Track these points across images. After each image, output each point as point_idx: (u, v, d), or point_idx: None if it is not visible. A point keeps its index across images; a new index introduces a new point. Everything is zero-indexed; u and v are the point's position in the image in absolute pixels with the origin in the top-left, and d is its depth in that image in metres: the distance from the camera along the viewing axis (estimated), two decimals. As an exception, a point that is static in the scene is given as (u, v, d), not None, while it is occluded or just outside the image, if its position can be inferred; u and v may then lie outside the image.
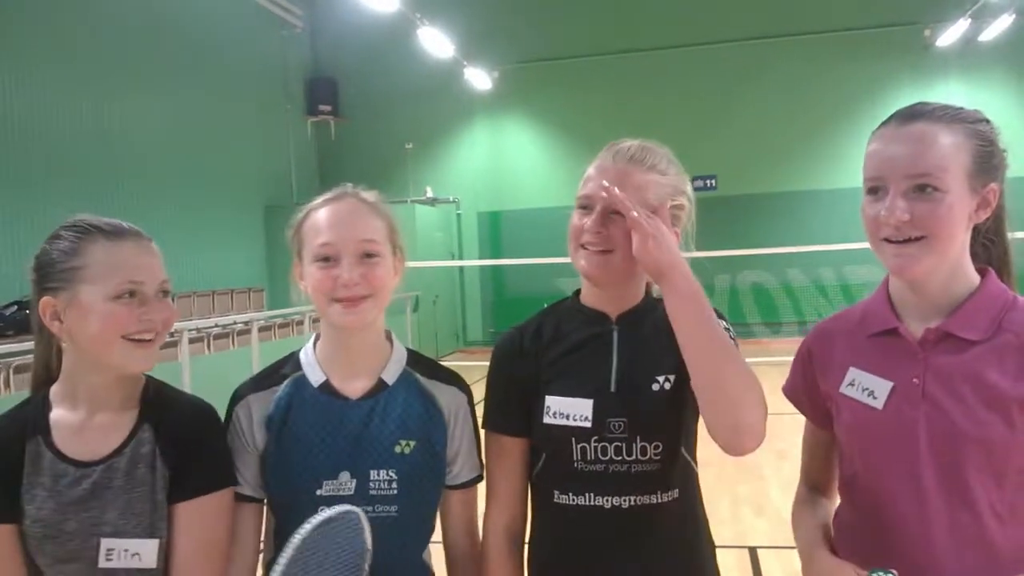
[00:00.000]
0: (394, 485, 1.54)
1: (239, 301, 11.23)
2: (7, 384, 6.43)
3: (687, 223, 1.63)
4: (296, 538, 1.35)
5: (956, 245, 1.37)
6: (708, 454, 1.64)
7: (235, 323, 9.15)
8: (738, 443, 1.43)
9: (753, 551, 4.04)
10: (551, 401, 1.57)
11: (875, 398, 1.41)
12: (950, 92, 12.09)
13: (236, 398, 1.61)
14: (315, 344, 1.65)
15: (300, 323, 9.65)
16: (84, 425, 1.48)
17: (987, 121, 1.39)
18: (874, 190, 1.38)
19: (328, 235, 1.54)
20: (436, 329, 12.68)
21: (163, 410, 1.52)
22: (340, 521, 1.39)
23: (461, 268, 14.16)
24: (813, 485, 1.64)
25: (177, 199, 10.01)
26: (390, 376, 1.61)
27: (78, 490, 1.43)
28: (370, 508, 1.50)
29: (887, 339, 1.44)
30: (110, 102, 9.64)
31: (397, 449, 1.55)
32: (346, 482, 1.53)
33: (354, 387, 1.59)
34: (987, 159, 1.36)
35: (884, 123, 1.41)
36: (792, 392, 1.63)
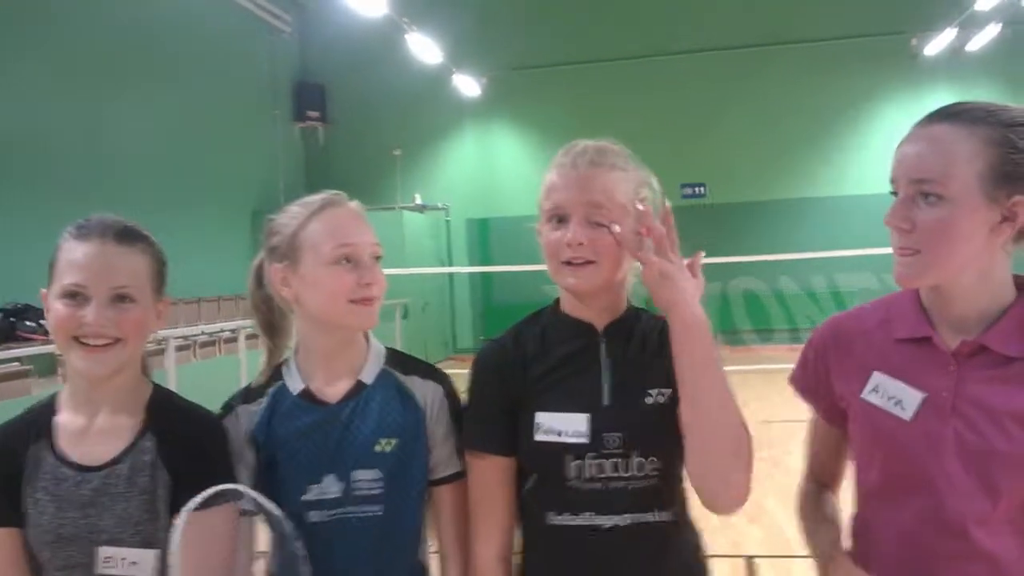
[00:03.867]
0: (379, 484, 1.53)
1: (226, 308, 11.16)
2: (-9, 392, 6.35)
3: (655, 215, 1.53)
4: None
5: (959, 259, 1.28)
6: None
7: (222, 331, 9.10)
8: (725, 497, 1.42)
9: (749, 560, 4.00)
10: (542, 418, 1.49)
11: (903, 408, 1.34)
12: (938, 101, 12.03)
13: (226, 409, 1.60)
14: (295, 352, 1.63)
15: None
16: (87, 429, 1.48)
17: (1011, 124, 1.27)
18: (895, 193, 1.32)
19: (352, 236, 1.56)
20: (426, 336, 12.63)
21: (168, 419, 1.51)
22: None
23: (451, 275, 14.12)
24: (819, 480, 1.59)
25: (163, 204, 9.92)
26: (368, 376, 1.60)
27: (78, 495, 1.43)
28: (356, 509, 1.52)
29: (917, 347, 1.37)
30: (96, 106, 9.57)
31: (378, 448, 1.54)
32: (331, 485, 1.53)
33: (334, 390, 1.59)
34: (1013, 167, 1.25)
35: (919, 120, 1.34)
36: (801, 385, 1.56)
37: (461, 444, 1.60)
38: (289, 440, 1.55)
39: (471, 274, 13.92)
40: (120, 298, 1.44)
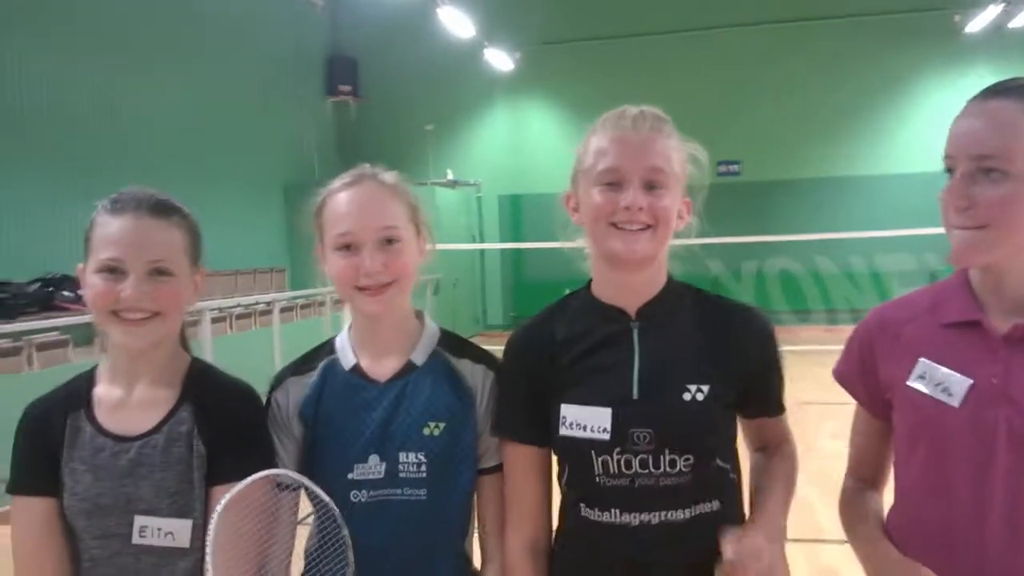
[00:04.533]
0: (423, 468, 1.50)
1: (261, 281, 11.28)
2: (30, 361, 6.48)
3: (697, 193, 1.53)
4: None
5: (1022, 237, 1.26)
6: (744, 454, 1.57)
7: (257, 303, 9.19)
8: None
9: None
10: (567, 410, 1.44)
11: (950, 395, 1.31)
12: (979, 78, 11.80)
13: (276, 382, 1.60)
14: (349, 328, 1.62)
15: (322, 304, 9.66)
16: (125, 401, 1.49)
17: None
18: (949, 170, 1.28)
19: (347, 224, 1.51)
20: (456, 313, 12.67)
21: (205, 391, 1.51)
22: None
23: (482, 251, 14.12)
24: (863, 478, 1.55)
25: (197, 179, 10.00)
26: (419, 357, 1.58)
27: (115, 465, 1.44)
28: (399, 491, 1.50)
29: (965, 332, 1.34)
30: (127, 82, 9.61)
31: (426, 431, 1.52)
32: (375, 465, 1.51)
33: (383, 369, 1.57)
34: None
35: (974, 96, 1.30)
36: (846, 377, 1.52)
37: (492, 431, 1.56)
38: (337, 416, 1.54)
39: (502, 251, 13.90)
40: (157, 272, 1.44)
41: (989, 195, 1.23)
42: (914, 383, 1.36)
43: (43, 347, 6.62)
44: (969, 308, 1.34)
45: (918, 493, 1.39)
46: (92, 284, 1.44)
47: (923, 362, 1.35)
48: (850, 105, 12.72)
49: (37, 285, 7.79)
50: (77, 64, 9.02)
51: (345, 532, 1.46)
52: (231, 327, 8.82)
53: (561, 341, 1.51)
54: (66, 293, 7.80)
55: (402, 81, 14.01)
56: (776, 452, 1.58)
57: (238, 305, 8.89)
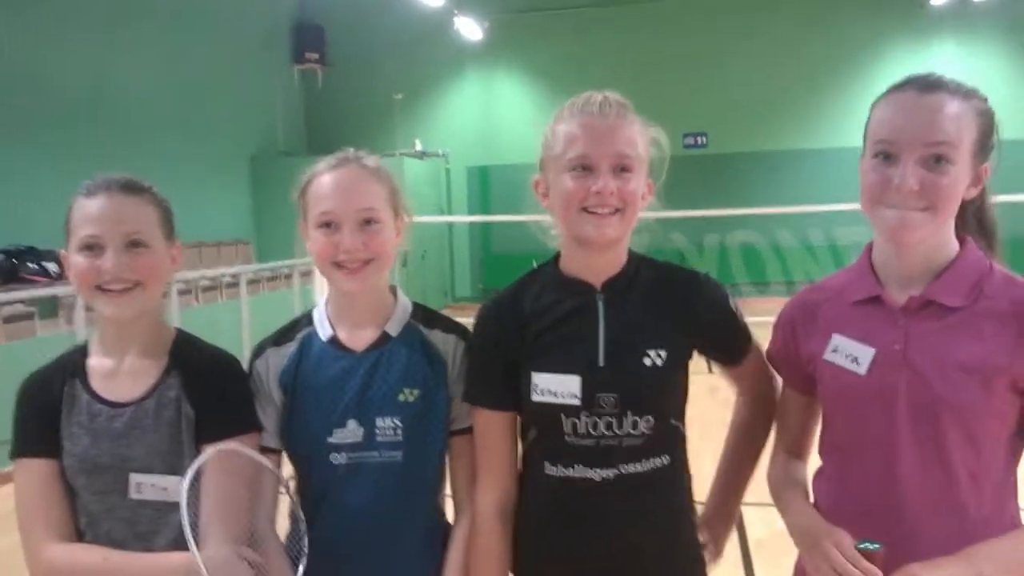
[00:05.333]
0: (399, 432, 1.61)
1: (226, 254, 11.18)
2: (-4, 334, 6.40)
3: (658, 173, 1.63)
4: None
5: (951, 217, 1.40)
6: (692, 413, 1.67)
7: (223, 276, 9.12)
8: None
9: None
10: (538, 378, 1.55)
11: (858, 364, 1.43)
12: (944, 52, 12.01)
13: (257, 351, 1.71)
14: (326, 301, 1.71)
15: (288, 276, 9.62)
16: (116, 370, 1.62)
17: (987, 101, 1.42)
18: (885, 155, 1.38)
19: (329, 203, 1.60)
20: (425, 285, 12.68)
21: (190, 358, 1.63)
22: None
23: (450, 224, 14.10)
24: (788, 450, 1.66)
25: (161, 148, 9.87)
26: (394, 328, 1.68)
27: (111, 428, 1.57)
28: (376, 454, 1.61)
29: (870, 306, 1.46)
30: (93, 50, 9.47)
31: (401, 398, 1.62)
32: (353, 430, 1.61)
33: (360, 340, 1.66)
34: (987, 138, 1.40)
35: (898, 88, 1.41)
36: (774, 357, 1.66)
37: (464, 398, 1.66)
38: (316, 384, 1.63)
39: (470, 223, 13.89)
40: (134, 244, 1.55)
41: (937, 180, 1.34)
42: (829, 356, 1.48)
43: (9, 319, 6.54)
44: (872, 285, 1.47)
45: (837, 457, 1.51)
46: (75, 263, 1.56)
47: (836, 337, 1.48)
48: (815, 77, 12.82)
49: (1, 256, 7.66)
50: (42, 36, 8.83)
51: (301, 519, 1.58)
52: (197, 299, 8.74)
53: (530, 313, 1.61)
54: (31, 265, 7.69)
55: (370, 49, 13.85)
56: (755, 408, 1.73)
57: (203, 277, 8.81)
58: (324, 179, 1.63)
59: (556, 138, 1.56)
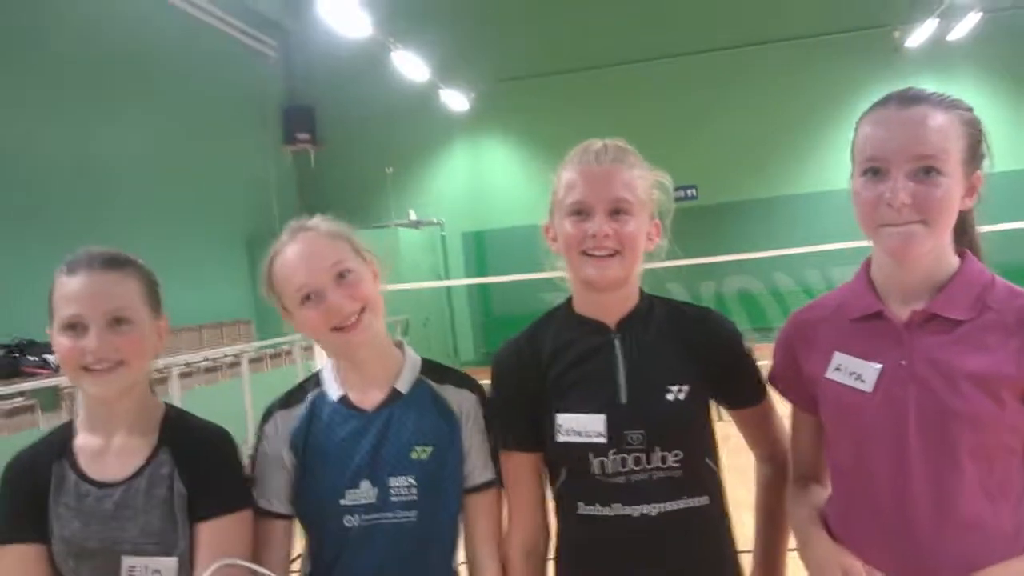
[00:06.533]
0: (413, 491, 1.58)
1: (228, 334, 11.18)
2: (-3, 428, 6.36)
3: (666, 212, 1.66)
4: None
5: (949, 229, 1.39)
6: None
7: (224, 356, 9.11)
8: None
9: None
10: (562, 419, 1.57)
11: (863, 381, 1.41)
12: (922, 91, 12.20)
13: (266, 415, 1.67)
14: (333, 363, 1.69)
15: (290, 353, 9.61)
16: (105, 449, 1.56)
17: (972, 110, 1.42)
18: (873, 171, 1.37)
19: (300, 276, 1.57)
20: (428, 351, 12.49)
21: (182, 435, 1.59)
22: None
23: (449, 289, 14.13)
24: (804, 475, 1.63)
25: (158, 233, 9.93)
26: (404, 385, 1.66)
27: (100, 509, 1.51)
28: (391, 514, 1.57)
29: (871, 323, 1.45)
30: (86, 135, 9.55)
31: (414, 455, 1.60)
32: (367, 491, 1.58)
33: (370, 399, 1.64)
34: (976, 147, 1.39)
35: (880, 105, 1.41)
36: (777, 380, 1.63)
37: (496, 445, 1.66)
38: (327, 446, 1.60)
39: (469, 287, 13.93)
40: (117, 321, 1.51)
41: (930, 192, 1.33)
42: (831, 375, 1.46)
43: (11, 413, 6.51)
44: (872, 302, 1.45)
45: (845, 480, 1.48)
46: (58, 344, 1.51)
47: (837, 355, 1.46)
48: (800, 124, 13.02)
49: (2, 352, 7.65)
50: (41, 124, 8.95)
51: None
52: (200, 381, 8.71)
53: (548, 354, 1.63)
54: (31, 358, 7.67)
55: (360, 126, 14.07)
56: (777, 479, 1.71)
57: (205, 359, 8.79)
58: (285, 257, 1.60)
59: (560, 184, 1.60)
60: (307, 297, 1.57)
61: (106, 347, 1.49)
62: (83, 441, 1.57)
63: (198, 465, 1.55)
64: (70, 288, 1.51)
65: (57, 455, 1.56)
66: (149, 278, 1.60)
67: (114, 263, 1.55)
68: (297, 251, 1.60)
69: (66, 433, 1.60)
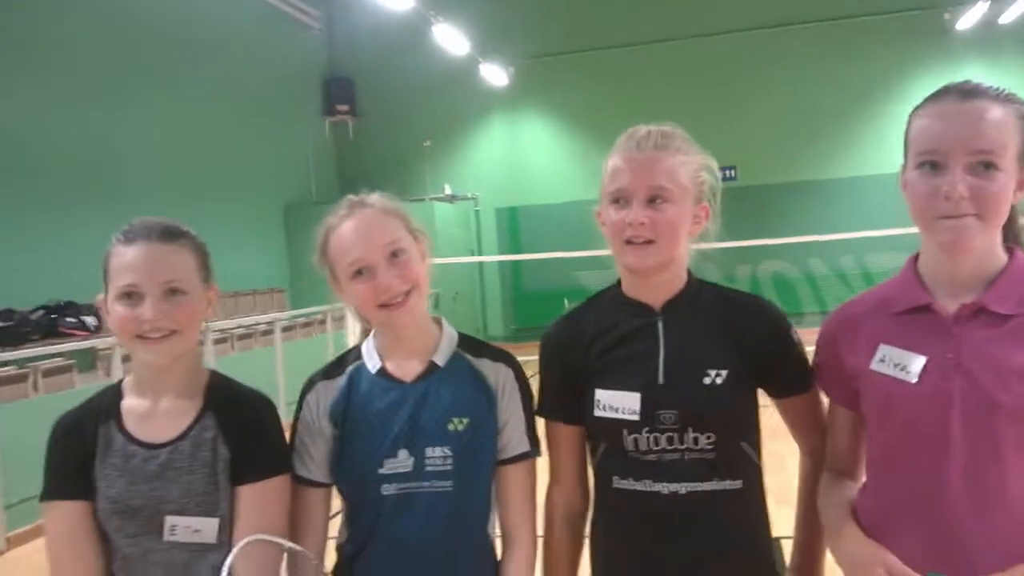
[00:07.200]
0: (449, 461, 1.62)
1: (261, 302, 11.32)
2: (35, 387, 6.52)
3: (714, 194, 1.67)
4: None
5: (1001, 224, 1.39)
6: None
7: (258, 324, 9.23)
8: None
9: (777, 541, 4.03)
10: (600, 395, 1.61)
11: (908, 372, 1.41)
12: (971, 75, 11.81)
13: (307, 385, 1.71)
14: (373, 335, 1.73)
15: (322, 322, 9.71)
16: (152, 412, 1.61)
17: None
18: (931, 164, 1.36)
19: (356, 251, 1.61)
20: (457, 326, 12.62)
21: (225, 400, 1.64)
22: None
23: (481, 264, 14.17)
24: (838, 469, 1.63)
25: (197, 202, 10.04)
26: (441, 358, 1.69)
27: (146, 469, 1.56)
28: (427, 484, 1.61)
29: (917, 316, 1.44)
30: (126, 106, 9.71)
31: (451, 427, 1.63)
32: (404, 460, 1.61)
33: (408, 371, 1.67)
34: None
35: (936, 98, 1.40)
36: (819, 373, 1.63)
37: (537, 412, 1.72)
38: (366, 416, 1.64)
39: (501, 263, 13.96)
40: (172, 292, 1.55)
41: (987, 187, 1.33)
42: (876, 367, 1.45)
43: (48, 373, 6.66)
44: (919, 294, 1.45)
45: (886, 472, 1.47)
46: (114, 312, 1.55)
47: (882, 347, 1.46)
48: (843, 107, 12.81)
49: (41, 313, 7.83)
50: (77, 94, 9.11)
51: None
52: (233, 347, 8.84)
53: (593, 332, 1.68)
54: (69, 319, 7.83)
55: (399, 99, 14.10)
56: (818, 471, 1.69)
57: (239, 326, 8.91)
58: (341, 230, 1.64)
59: (606, 172, 1.63)
60: (359, 272, 1.61)
61: (161, 316, 1.52)
62: (131, 403, 1.62)
63: (241, 430, 1.60)
64: (127, 258, 1.54)
65: (104, 417, 1.60)
66: (202, 249, 1.65)
67: (170, 234, 1.58)
68: (354, 226, 1.63)
69: (114, 396, 1.64)
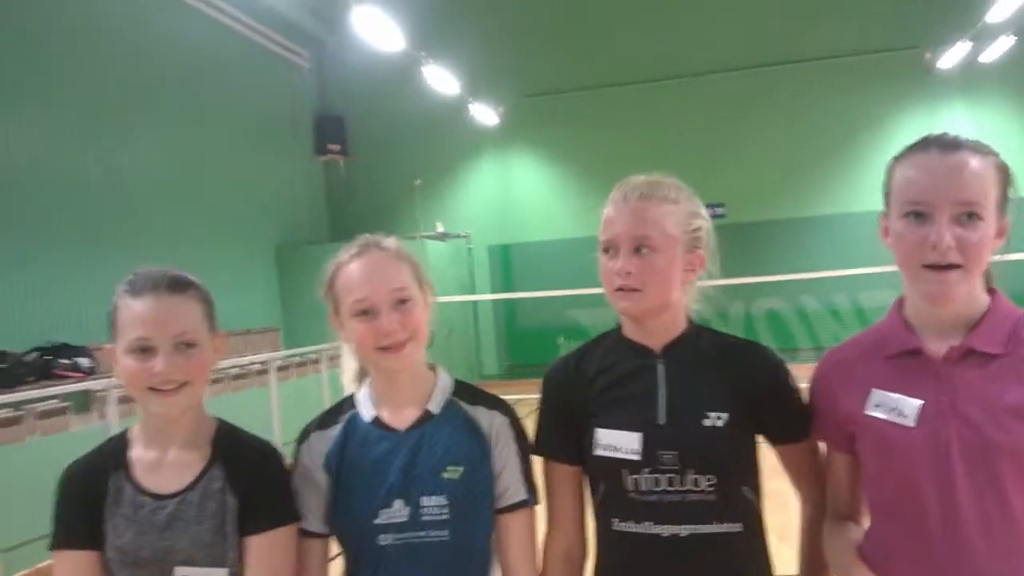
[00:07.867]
0: (445, 510, 1.61)
1: (255, 342, 11.27)
2: (31, 430, 6.46)
3: (708, 242, 1.70)
4: None
5: (983, 270, 1.44)
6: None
7: (252, 363, 9.19)
8: None
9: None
10: (600, 434, 1.62)
11: (904, 416, 1.44)
12: (953, 114, 12.11)
13: (303, 436, 1.72)
14: (369, 382, 1.73)
15: (316, 362, 9.68)
16: (160, 462, 1.63)
17: (1000, 156, 1.46)
18: (916, 215, 1.41)
19: (363, 290, 1.63)
20: (452, 363, 12.54)
21: (233, 450, 1.64)
22: None
23: (474, 302, 14.17)
24: (840, 513, 1.64)
25: (188, 241, 10.08)
26: (435, 406, 1.69)
27: (154, 520, 1.57)
28: (423, 533, 1.60)
29: (907, 360, 1.48)
30: (118, 146, 9.68)
31: (445, 475, 1.63)
32: (400, 509, 1.61)
33: (402, 419, 1.68)
34: (1006, 194, 1.45)
35: (920, 149, 1.45)
36: (812, 418, 1.65)
37: (534, 450, 1.72)
38: (361, 465, 1.64)
39: (494, 301, 13.96)
40: (183, 344, 1.57)
41: (970, 236, 1.38)
42: (871, 412, 1.49)
43: (44, 415, 6.61)
44: (908, 339, 1.49)
45: (890, 515, 1.49)
46: (125, 364, 1.57)
47: (876, 392, 1.49)
48: (830, 145, 12.95)
49: (35, 354, 7.80)
50: (67, 137, 9.10)
51: None
52: (227, 388, 8.79)
53: (594, 372, 1.69)
54: (63, 361, 7.81)
55: (390, 138, 14.20)
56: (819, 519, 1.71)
57: (234, 366, 8.88)
58: (351, 267, 1.66)
59: (601, 220, 1.66)
60: (363, 312, 1.63)
61: (173, 370, 1.55)
62: (139, 453, 1.63)
63: (248, 480, 1.61)
64: (137, 311, 1.56)
65: (114, 467, 1.62)
66: (207, 298, 1.66)
67: (178, 285, 1.60)
68: (365, 265, 1.66)
69: (121, 444, 1.66)
